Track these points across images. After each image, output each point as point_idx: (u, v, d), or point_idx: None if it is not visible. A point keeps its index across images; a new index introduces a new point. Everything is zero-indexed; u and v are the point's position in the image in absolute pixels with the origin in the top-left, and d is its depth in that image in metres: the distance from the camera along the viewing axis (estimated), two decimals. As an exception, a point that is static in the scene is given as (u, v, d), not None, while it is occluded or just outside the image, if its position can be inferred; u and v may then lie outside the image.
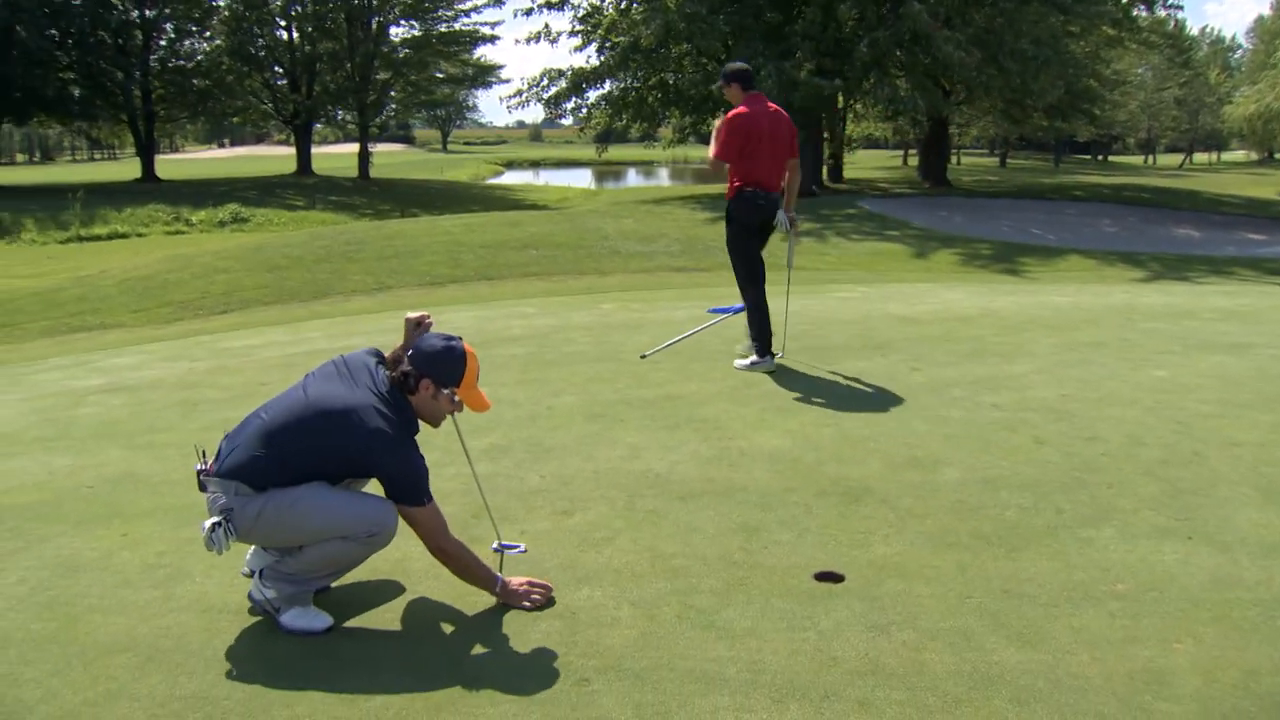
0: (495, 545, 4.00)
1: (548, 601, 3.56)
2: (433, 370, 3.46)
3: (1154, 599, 3.49)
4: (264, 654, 3.28)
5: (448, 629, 3.42)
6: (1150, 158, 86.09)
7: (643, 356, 7.49)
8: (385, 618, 3.50)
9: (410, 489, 3.39)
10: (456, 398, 3.53)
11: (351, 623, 3.47)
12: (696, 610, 3.48)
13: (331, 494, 3.38)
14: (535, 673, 3.12)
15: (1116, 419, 5.56)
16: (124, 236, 25.03)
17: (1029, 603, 3.47)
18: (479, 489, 4.11)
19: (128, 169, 54.55)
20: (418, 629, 3.43)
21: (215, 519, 3.28)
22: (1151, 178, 45.93)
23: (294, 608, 3.45)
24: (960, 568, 3.74)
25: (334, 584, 3.68)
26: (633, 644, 3.27)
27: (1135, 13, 28.71)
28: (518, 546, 4.03)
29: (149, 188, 39.18)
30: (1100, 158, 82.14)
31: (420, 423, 3.55)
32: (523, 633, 3.36)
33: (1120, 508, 4.30)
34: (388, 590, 3.69)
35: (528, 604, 3.53)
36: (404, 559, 3.92)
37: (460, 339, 3.56)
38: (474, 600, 3.58)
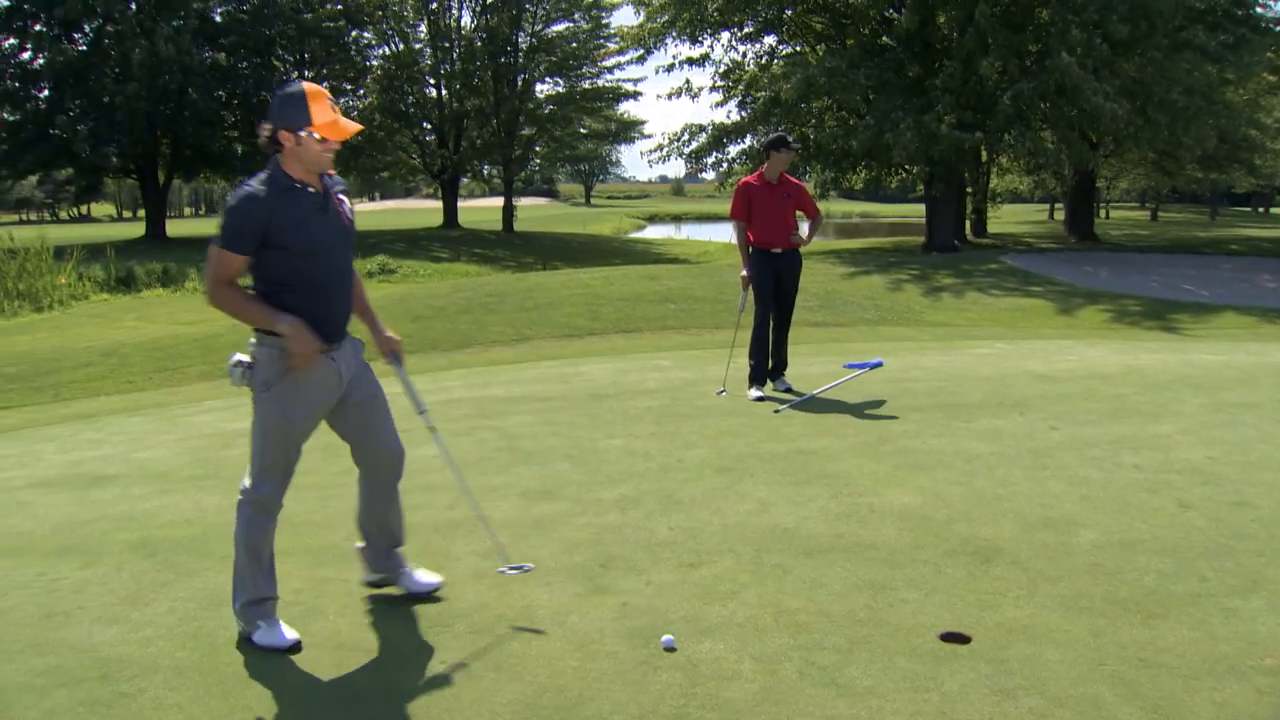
0: (502, 569, 4.06)
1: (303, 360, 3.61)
2: (279, 120, 3.51)
3: (1305, 674, 3.31)
4: (392, 691, 3.37)
5: (567, 676, 3.46)
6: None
7: (776, 411, 7.48)
8: (507, 662, 3.56)
9: (221, 229, 3.54)
10: (316, 135, 3.51)
11: (474, 665, 3.53)
12: (818, 667, 3.45)
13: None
14: (653, 723, 3.13)
15: (1268, 484, 5.31)
16: (279, 286, 26.11)
17: (1167, 673, 3.33)
18: (474, 506, 4.28)
19: (284, 221, 56.88)
20: (536, 674, 3.47)
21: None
22: (1317, 231, 43.88)
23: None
24: (1094, 633, 3.62)
25: (462, 629, 3.78)
26: (753, 698, 3.25)
27: (1297, 58, 27.58)
28: (525, 566, 4.18)
29: (303, 240, 40.76)
30: (1261, 210, 78.73)
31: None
32: (643, 681, 3.38)
33: (1271, 578, 4.11)
34: (511, 640, 3.76)
35: (306, 356, 3.59)
36: (530, 606, 3.99)
37: (304, 81, 3.60)
38: (594, 650, 3.62)
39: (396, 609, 4.04)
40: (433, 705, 3.28)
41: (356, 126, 3.64)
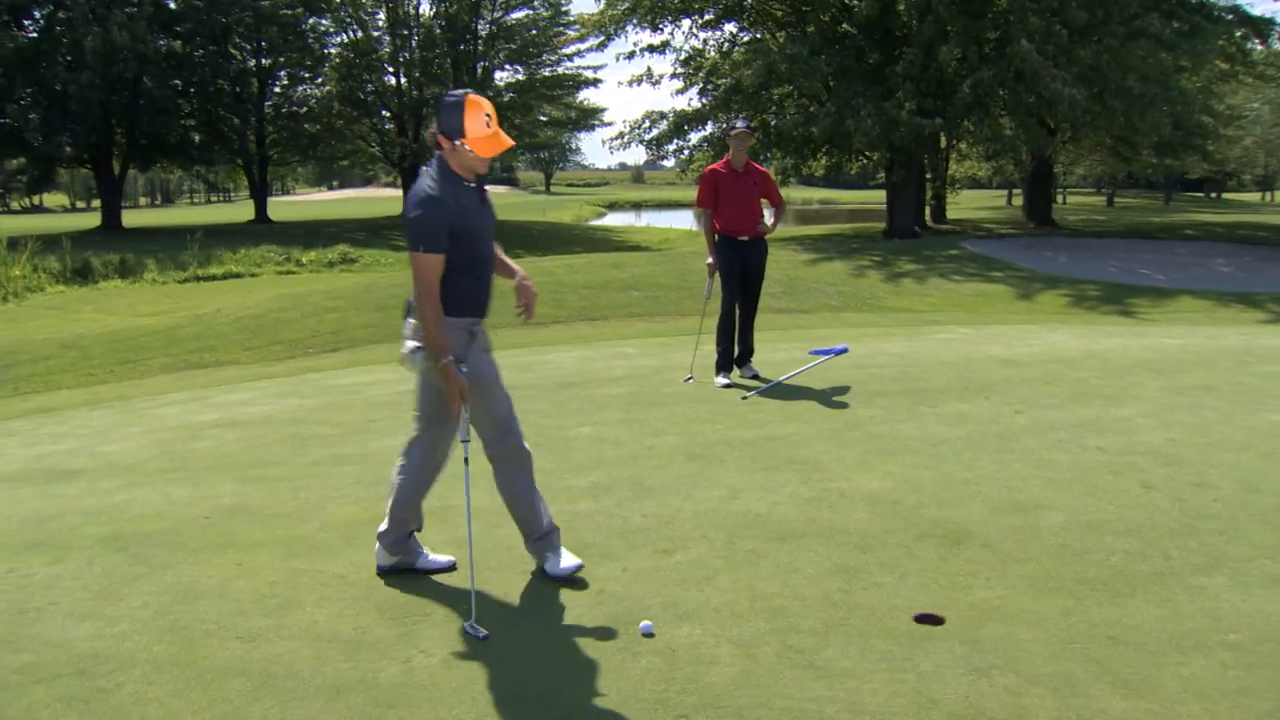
0: (466, 626, 3.77)
1: (461, 404, 3.85)
2: (439, 124, 3.75)
3: (1270, 650, 3.40)
4: (372, 682, 3.37)
5: (549, 663, 3.48)
6: (1268, 194, 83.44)
7: (744, 398, 7.52)
8: (487, 651, 3.57)
9: (408, 233, 3.76)
10: (467, 146, 3.73)
11: (451, 655, 3.55)
12: (796, 650, 3.49)
13: None
14: (635, 708, 3.16)
15: (1229, 465, 5.42)
16: (238, 276, 25.83)
17: (1135, 650, 3.41)
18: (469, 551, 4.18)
19: (242, 211, 56.35)
20: (516, 662, 3.49)
21: None
22: (1269, 215, 44.47)
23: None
24: (1063, 613, 3.69)
25: (440, 618, 3.79)
26: (732, 682, 3.29)
27: (1250, 46, 27.92)
28: (479, 632, 3.72)
29: (261, 229, 40.39)
30: (1214, 195, 79.79)
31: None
32: (623, 668, 3.41)
33: (1233, 555, 4.20)
34: (490, 624, 3.77)
35: (453, 402, 3.84)
36: (507, 595, 4.01)
37: (469, 91, 3.77)
38: (575, 635, 3.65)
39: (373, 599, 4.04)
40: (413, 695, 3.29)
41: (508, 143, 3.80)
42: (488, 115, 3.71)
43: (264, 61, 46.72)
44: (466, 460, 4.03)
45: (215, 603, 4.04)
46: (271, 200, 53.10)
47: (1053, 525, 4.59)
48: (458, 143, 3.73)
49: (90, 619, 3.95)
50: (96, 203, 44.41)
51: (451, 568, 4.32)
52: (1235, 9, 26.24)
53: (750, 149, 8.19)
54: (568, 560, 4.21)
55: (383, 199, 72.09)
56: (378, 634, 3.73)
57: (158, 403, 9.13)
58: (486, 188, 4.03)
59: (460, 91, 3.75)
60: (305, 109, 49.31)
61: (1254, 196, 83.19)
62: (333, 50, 48.87)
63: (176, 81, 41.54)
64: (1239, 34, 26.50)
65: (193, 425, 7.64)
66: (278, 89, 48.99)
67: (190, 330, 13.68)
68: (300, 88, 49.88)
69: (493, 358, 4.18)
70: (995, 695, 3.15)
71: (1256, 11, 26.75)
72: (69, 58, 36.72)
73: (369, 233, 38.32)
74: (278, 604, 4.01)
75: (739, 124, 8.13)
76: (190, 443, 6.98)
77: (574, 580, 4.15)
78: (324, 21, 48.25)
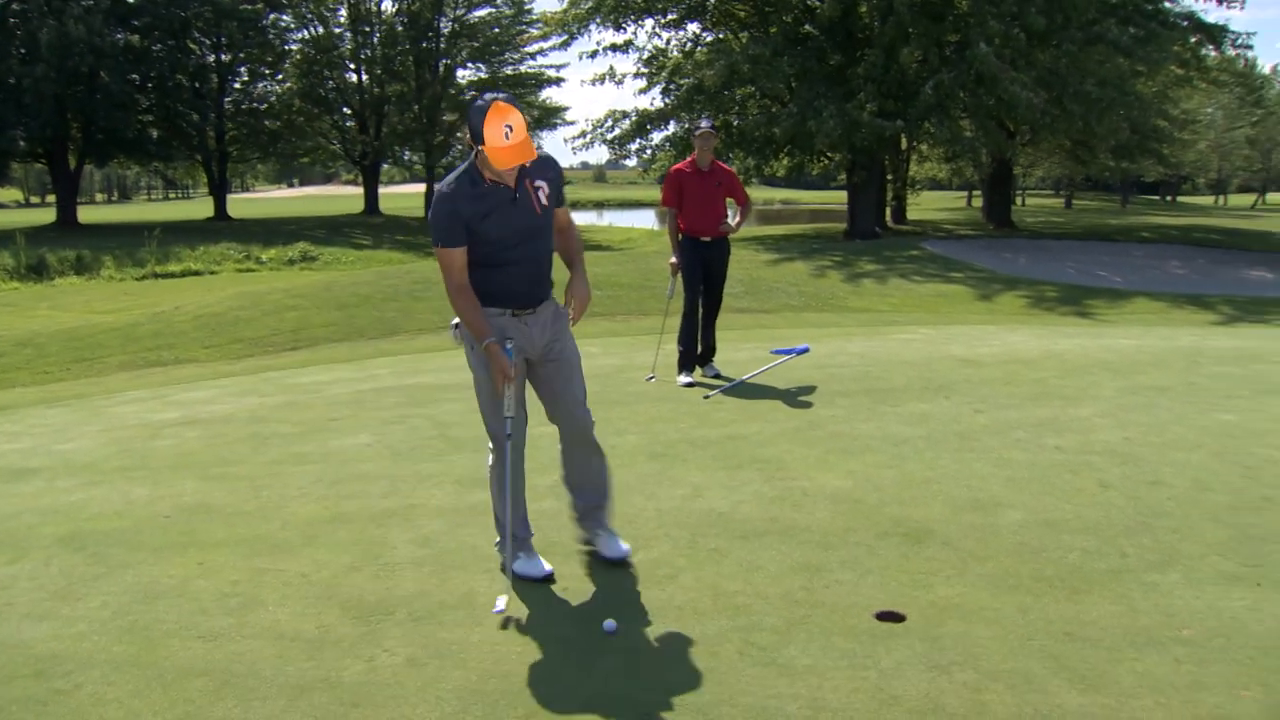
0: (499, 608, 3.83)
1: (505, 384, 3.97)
2: (469, 129, 3.78)
3: (1221, 645, 3.46)
4: (335, 681, 3.37)
5: (510, 661, 3.49)
6: (1221, 198, 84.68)
7: (706, 397, 7.55)
8: (450, 649, 3.57)
9: (431, 230, 3.91)
10: (484, 153, 3.75)
11: (417, 653, 3.55)
12: (758, 647, 3.52)
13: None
14: (599, 706, 3.17)
15: (1182, 463, 5.51)
16: (197, 274, 25.60)
17: (1092, 646, 3.46)
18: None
19: (201, 208, 55.85)
20: (480, 660, 3.49)
21: None
22: (1222, 218, 45.19)
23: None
24: (1022, 610, 3.74)
25: (403, 617, 3.79)
26: (695, 679, 3.31)
27: (1204, 52, 28.36)
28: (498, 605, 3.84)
29: (221, 226, 40.07)
30: (1169, 198, 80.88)
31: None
32: (587, 666, 3.43)
33: (1186, 553, 4.27)
34: (451, 621, 3.77)
35: (497, 381, 3.98)
36: (470, 593, 4.01)
37: (500, 95, 3.75)
38: (538, 634, 3.66)
39: (336, 597, 4.02)
40: (377, 694, 3.28)
41: (524, 157, 3.72)
42: (509, 126, 3.66)
43: (224, 57, 46.36)
44: (509, 436, 4.09)
45: (176, 602, 4.02)
46: (231, 197, 52.63)
47: (1012, 523, 4.65)
48: (479, 147, 3.75)
49: (47, 619, 3.91)
50: (52, 198, 43.78)
51: (625, 558, 4.33)
52: (1190, 16, 26.68)
53: (714, 149, 8.22)
54: (613, 547, 4.35)
55: (344, 196, 71.64)
56: (341, 633, 3.72)
57: (116, 401, 9.04)
58: (540, 185, 3.98)
59: (490, 97, 3.72)
60: (265, 105, 48.99)
61: (1207, 200, 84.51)
62: (293, 46, 48.63)
63: (134, 76, 41.16)
64: (1193, 40, 26.93)
65: (152, 423, 7.57)
66: (238, 85, 48.63)
67: (149, 328, 13.55)
68: (260, 84, 49.54)
69: (565, 341, 4.26)
70: (955, 691, 3.19)
71: (1211, 19, 26.95)
72: (23, 50, 36.27)
73: (329, 230, 38.10)
74: (239, 603, 3.99)
75: (703, 124, 8.15)
76: (150, 441, 6.92)
77: (624, 563, 4.28)
78: (285, 17, 47.98)
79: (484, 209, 3.87)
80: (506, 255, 3.96)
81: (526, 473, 4.34)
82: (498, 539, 4.30)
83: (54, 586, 4.25)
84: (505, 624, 3.76)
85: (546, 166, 4.04)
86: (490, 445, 4.26)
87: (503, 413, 4.08)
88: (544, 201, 4.00)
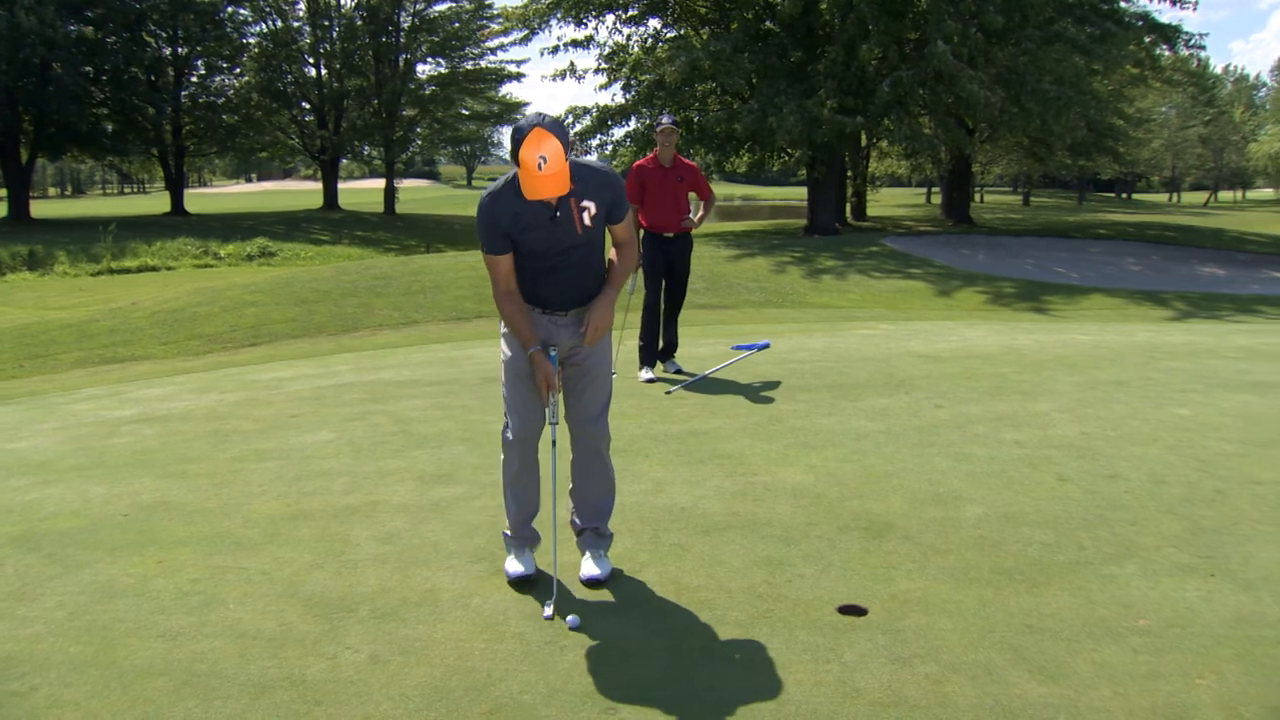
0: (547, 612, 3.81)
1: (549, 391, 3.98)
2: (510, 148, 3.72)
3: (1176, 635, 3.51)
4: (298, 679, 3.34)
5: (474, 657, 3.48)
6: (1175, 195, 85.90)
7: (668, 393, 7.56)
8: (414, 645, 3.56)
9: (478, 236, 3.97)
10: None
11: (380, 649, 3.53)
12: (721, 642, 3.53)
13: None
14: (562, 701, 3.17)
15: (1138, 457, 5.58)
16: (154, 269, 25.35)
17: (1051, 637, 3.50)
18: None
19: (157, 203, 55.23)
20: (444, 657, 3.48)
21: None
22: (1176, 215, 45.89)
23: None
24: (982, 603, 3.78)
25: (366, 614, 3.77)
26: (659, 674, 3.32)
27: (1158, 52, 28.75)
28: (547, 611, 3.82)
29: (178, 221, 39.66)
30: (1124, 196, 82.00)
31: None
32: (550, 661, 3.42)
33: (1142, 545, 4.33)
34: (416, 619, 3.76)
35: (542, 389, 3.99)
36: (433, 590, 4.00)
37: (545, 117, 3.68)
38: (501, 630, 3.65)
39: (298, 595, 3.99)
40: (340, 691, 3.26)
41: (552, 193, 3.61)
42: (543, 157, 3.52)
43: (180, 50, 45.87)
44: (554, 443, 4.09)
45: (135, 601, 3.97)
46: (188, 192, 52.11)
47: (972, 517, 4.69)
48: (515, 168, 3.68)
49: (2, 620, 3.84)
50: (2, 193, 43.13)
51: (592, 582, 4.13)
52: (1145, 16, 27.05)
53: (676, 144, 8.22)
54: (589, 568, 4.16)
55: (302, 192, 70.98)
56: (303, 630, 3.69)
57: (71, 398, 8.92)
58: (586, 205, 3.87)
59: (533, 120, 3.62)
60: (223, 99, 48.56)
61: (1161, 197, 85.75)
62: (251, 40, 48.27)
63: (88, 68, 40.63)
64: (1148, 39, 27.31)
65: (109, 421, 7.48)
66: (195, 79, 48.16)
67: (104, 324, 13.39)
68: (218, 78, 49.10)
69: (596, 349, 4.20)
70: (917, 684, 3.22)
71: (1165, 19, 27.34)
72: (-27, 42, 35.64)
73: (288, 226, 37.79)
74: (200, 601, 3.95)
75: (665, 120, 8.14)
76: (107, 439, 6.83)
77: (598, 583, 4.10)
78: (242, 10, 47.57)
79: (523, 223, 3.84)
80: (540, 265, 3.95)
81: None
82: (506, 530, 4.27)
83: (8, 587, 4.18)
84: (551, 618, 3.75)
85: (604, 186, 3.91)
86: (503, 433, 4.18)
87: (521, 415, 4.08)
88: (587, 222, 3.90)
